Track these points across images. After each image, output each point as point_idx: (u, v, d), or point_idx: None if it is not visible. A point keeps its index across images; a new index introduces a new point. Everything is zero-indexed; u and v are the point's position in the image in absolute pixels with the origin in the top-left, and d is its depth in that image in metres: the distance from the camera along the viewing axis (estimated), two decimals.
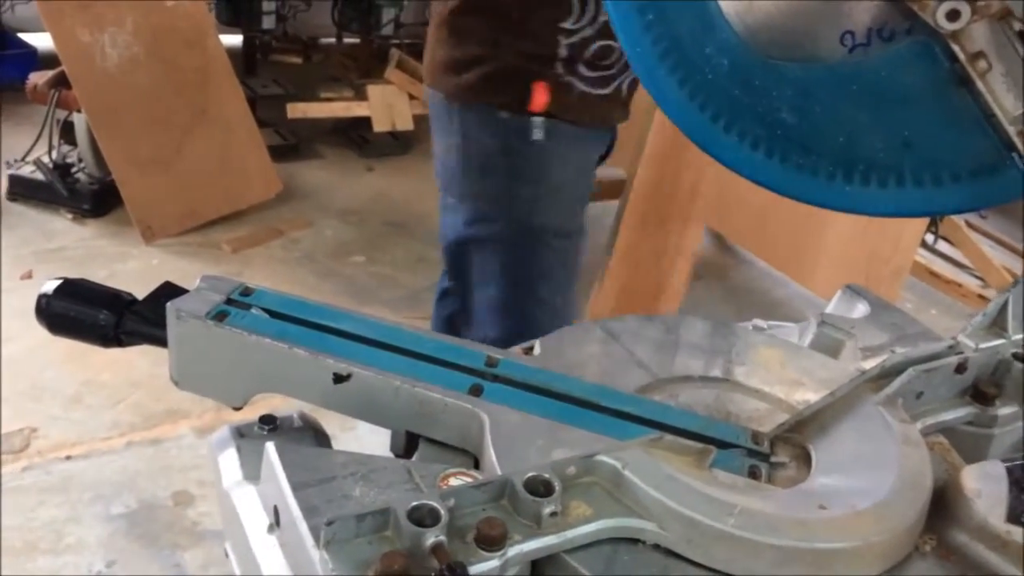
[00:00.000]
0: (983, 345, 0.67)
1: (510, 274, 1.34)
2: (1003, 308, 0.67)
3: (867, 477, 0.56)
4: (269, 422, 0.67)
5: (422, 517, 0.48)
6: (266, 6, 3.36)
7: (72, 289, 0.69)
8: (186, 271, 2.81)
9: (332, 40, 4.09)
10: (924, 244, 2.91)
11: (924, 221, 2.40)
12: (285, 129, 3.55)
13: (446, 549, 0.46)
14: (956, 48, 0.45)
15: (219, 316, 0.65)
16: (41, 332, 0.73)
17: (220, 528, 1.83)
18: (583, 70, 1.26)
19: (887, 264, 2.31)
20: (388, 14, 3.42)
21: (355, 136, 3.67)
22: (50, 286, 0.69)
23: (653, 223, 2.19)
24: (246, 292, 0.68)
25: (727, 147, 0.51)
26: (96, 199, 2.96)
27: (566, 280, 1.39)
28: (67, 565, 1.76)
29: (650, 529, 0.52)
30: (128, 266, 2.78)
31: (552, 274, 1.36)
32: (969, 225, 3.09)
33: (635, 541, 0.52)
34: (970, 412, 0.67)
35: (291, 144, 3.54)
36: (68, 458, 2.03)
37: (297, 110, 3.32)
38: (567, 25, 1.21)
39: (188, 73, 2.93)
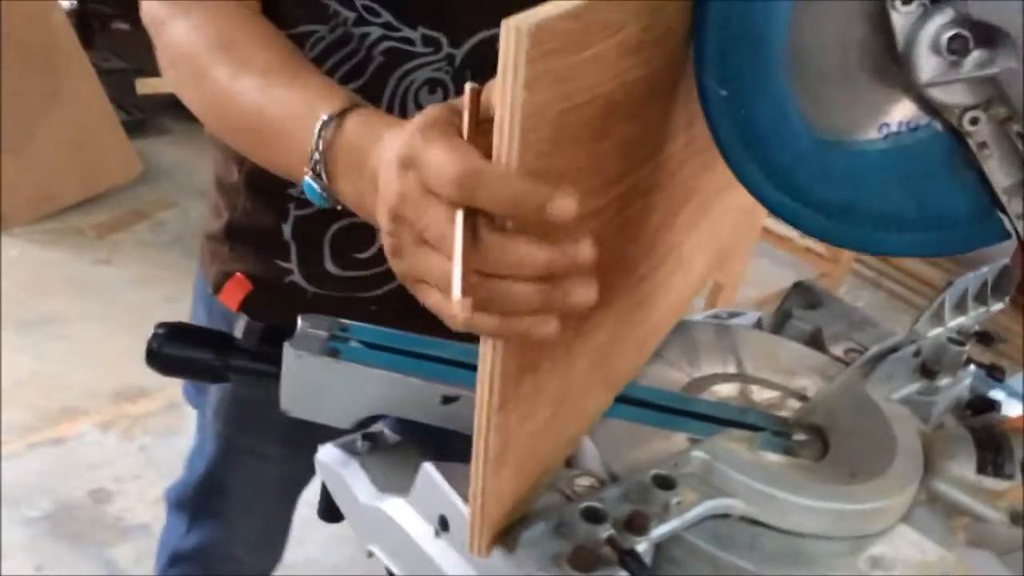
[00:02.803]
0: (931, 333, 0.86)
1: None
2: (941, 304, 0.87)
3: (876, 447, 0.74)
4: (371, 439, 0.77)
5: (588, 515, 0.61)
6: None
7: (178, 334, 0.76)
8: (49, 260, 2.73)
9: None
10: None
11: None
12: (129, 105, 3.43)
13: (618, 540, 0.60)
14: (969, 141, 0.61)
15: (332, 352, 0.74)
16: None
17: (145, 522, 1.86)
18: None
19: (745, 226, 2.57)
20: None
21: None
22: (158, 331, 0.75)
23: None
24: (343, 328, 0.77)
25: (785, 206, 0.66)
26: None
27: None
28: None
29: (740, 506, 0.67)
30: None
31: None
32: None
33: (725, 515, 0.67)
34: (920, 386, 0.87)
35: (137, 120, 3.43)
36: None
37: (148, 86, 3.23)
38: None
39: (33, 53, 2.80)
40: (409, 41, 0.87)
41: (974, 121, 0.60)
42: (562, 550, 0.59)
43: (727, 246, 0.94)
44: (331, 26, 0.86)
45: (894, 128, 0.64)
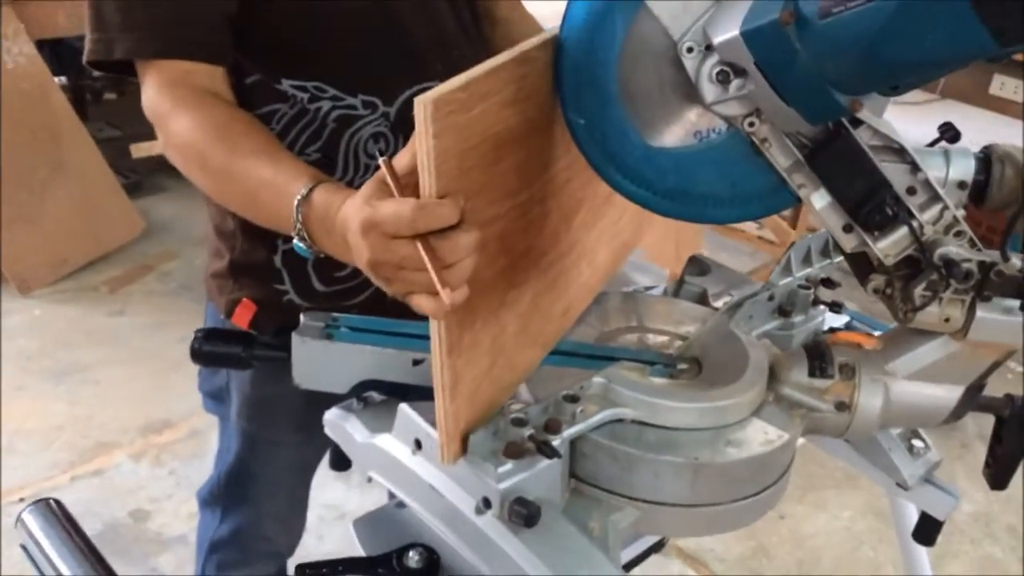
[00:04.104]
0: (781, 283, 1.13)
1: None
2: (788, 259, 1.14)
3: (734, 365, 1.00)
4: (363, 400, 1.03)
5: (515, 422, 0.87)
6: None
7: (212, 336, 1.02)
8: (71, 316, 2.98)
9: None
10: None
11: None
12: (125, 168, 3.70)
13: (537, 436, 0.86)
14: (754, 139, 0.88)
15: (327, 336, 1.01)
16: None
17: (182, 533, 2.13)
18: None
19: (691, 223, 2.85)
20: None
21: None
22: (197, 335, 1.02)
23: None
24: (335, 319, 1.04)
25: (639, 195, 0.93)
26: None
27: None
28: None
29: (629, 413, 0.93)
30: (13, 320, 2.92)
31: None
32: None
33: (620, 420, 0.93)
34: (778, 323, 1.13)
35: (135, 182, 3.70)
36: (21, 500, 2.22)
37: (141, 150, 3.50)
38: None
39: (37, 131, 3.07)
40: (353, 107, 1.15)
41: (751, 124, 0.86)
42: (498, 447, 0.85)
43: (632, 240, 1.21)
44: (290, 104, 1.14)
45: (704, 134, 0.90)
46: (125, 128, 3.86)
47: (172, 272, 3.23)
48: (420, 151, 0.72)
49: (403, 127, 1.18)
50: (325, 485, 2.31)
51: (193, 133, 1.01)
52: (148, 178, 3.78)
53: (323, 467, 1.29)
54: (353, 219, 0.80)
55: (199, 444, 2.46)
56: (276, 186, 0.95)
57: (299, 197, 0.91)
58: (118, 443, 2.43)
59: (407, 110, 1.18)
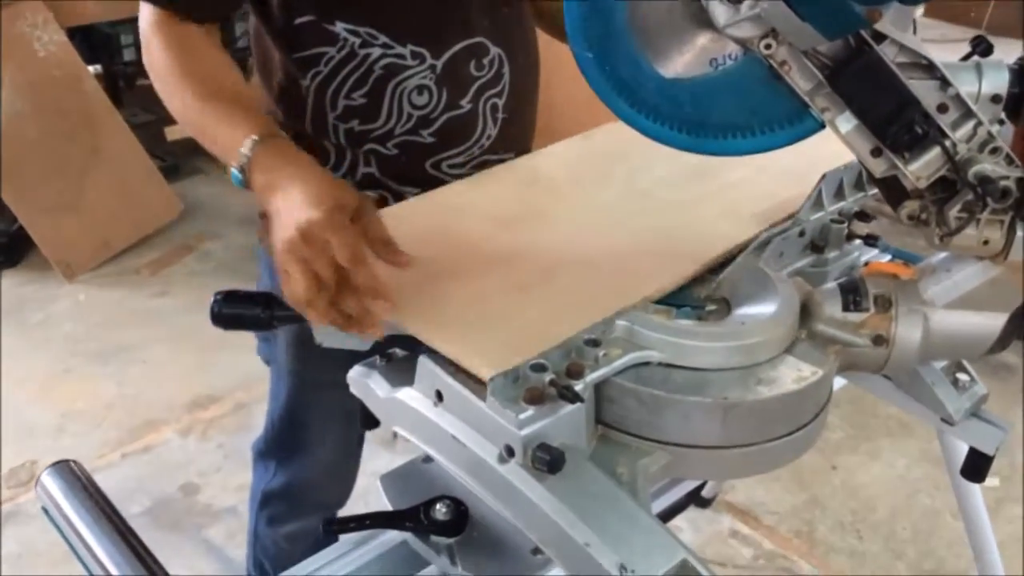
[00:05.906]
0: (812, 217, 1.09)
1: None
2: (819, 193, 1.10)
3: (763, 303, 0.96)
4: (386, 356, 1.02)
5: (534, 367, 0.85)
6: (124, 39, 3.52)
7: (231, 298, 1.01)
8: (114, 299, 3.03)
9: None
10: None
11: None
12: (161, 152, 3.73)
13: (557, 381, 0.83)
14: (772, 62, 0.84)
15: None
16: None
17: (231, 505, 2.15)
18: None
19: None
20: (240, 28, 3.63)
21: None
22: (216, 297, 1.01)
23: None
24: None
25: (654, 130, 0.89)
26: (6, 250, 3.11)
27: None
28: None
29: (655, 355, 0.90)
30: (59, 306, 2.97)
31: None
32: None
33: (646, 363, 0.90)
34: (810, 260, 1.09)
35: (172, 165, 3.72)
36: None
37: (176, 132, 3.52)
38: None
39: (73, 118, 3.10)
40: (402, 56, 1.17)
41: (768, 46, 0.82)
42: (518, 394, 0.83)
43: None
44: (339, 47, 1.16)
45: (720, 60, 0.87)
46: (159, 112, 3.86)
47: (211, 252, 3.26)
48: None
49: (448, 81, 1.19)
50: (372, 453, 2.32)
51: (173, 71, 1.07)
52: (184, 160, 3.81)
53: (370, 435, 1.30)
54: (321, 195, 0.90)
55: (244, 418, 2.49)
56: (236, 132, 1.02)
57: (255, 138, 0.98)
58: (166, 420, 2.46)
59: (452, 64, 1.21)
